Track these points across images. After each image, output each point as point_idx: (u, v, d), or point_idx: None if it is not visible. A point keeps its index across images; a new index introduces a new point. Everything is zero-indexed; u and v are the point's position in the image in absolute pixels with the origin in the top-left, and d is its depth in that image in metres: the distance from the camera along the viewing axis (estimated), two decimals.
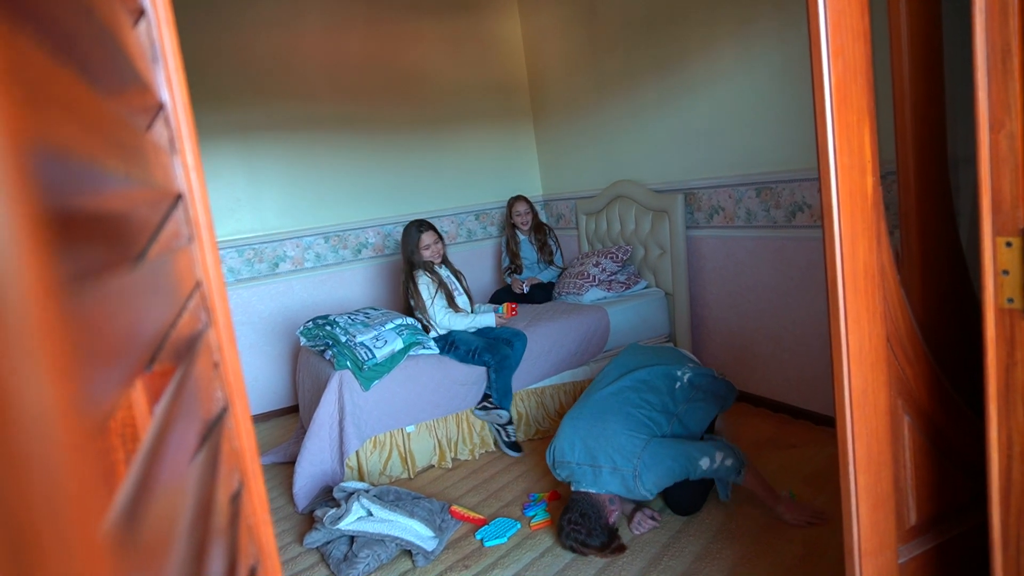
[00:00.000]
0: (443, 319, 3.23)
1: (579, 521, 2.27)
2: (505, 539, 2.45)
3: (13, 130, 0.19)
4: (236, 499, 0.56)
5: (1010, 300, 1.06)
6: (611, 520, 2.32)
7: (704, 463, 2.28)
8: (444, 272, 3.40)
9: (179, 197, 0.52)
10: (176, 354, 0.53)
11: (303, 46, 4.10)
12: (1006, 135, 1.04)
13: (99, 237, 0.37)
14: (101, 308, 0.32)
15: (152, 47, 0.50)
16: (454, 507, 2.64)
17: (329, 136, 4.22)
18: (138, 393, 0.53)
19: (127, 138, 0.44)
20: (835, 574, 2.00)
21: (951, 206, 1.54)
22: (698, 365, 2.69)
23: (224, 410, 0.54)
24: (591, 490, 2.33)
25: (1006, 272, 1.06)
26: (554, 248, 4.25)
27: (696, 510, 2.48)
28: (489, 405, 3.18)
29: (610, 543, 2.26)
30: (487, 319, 3.24)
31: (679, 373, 2.58)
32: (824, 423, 3.00)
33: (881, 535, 1.29)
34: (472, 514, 2.62)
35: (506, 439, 3.22)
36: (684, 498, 2.46)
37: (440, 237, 3.37)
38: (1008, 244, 1.06)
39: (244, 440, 0.56)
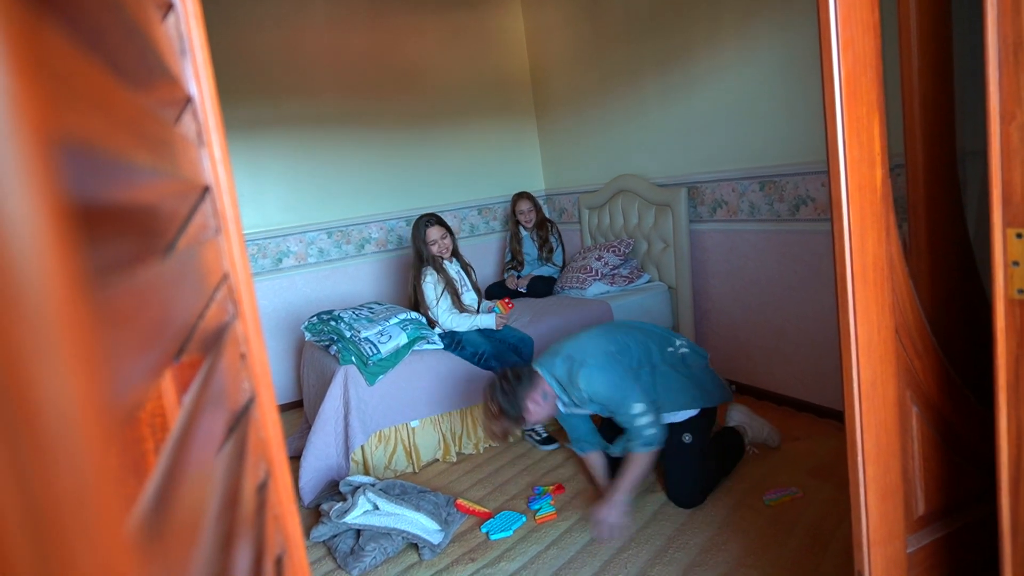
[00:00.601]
0: (446, 320, 3.22)
1: (512, 380, 2.40)
2: (511, 532, 2.47)
3: (39, 123, 0.19)
4: (262, 489, 0.56)
5: (1020, 291, 1.07)
6: (529, 413, 2.40)
7: (635, 409, 2.36)
8: (454, 267, 3.38)
9: (207, 189, 0.52)
10: (204, 345, 0.54)
11: (306, 42, 4.10)
12: (1017, 127, 1.05)
13: (127, 229, 0.38)
14: (129, 300, 0.33)
15: (180, 41, 0.50)
16: (460, 501, 2.65)
17: (332, 131, 4.22)
18: (167, 384, 0.53)
19: (155, 131, 0.44)
20: (839, 565, 2.01)
21: (959, 199, 1.55)
22: (696, 350, 2.70)
23: (251, 401, 0.55)
24: (539, 369, 2.49)
25: (1016, 263, 1.07)
26: (555, 245, 4.25)
27: (698, 503, 2.49)
28: (527, 429, 3.21)
29: (511, 420, 2.40)
30: (488, 320, 3.22)
31: (677, 343, 2.64)
32: (828, 416, 3.01)
33: (890, 525, 1.30)
34: (478, 507, 2.63)
35: (538, 438, 3.21)
36: (685, 490, 2.48)
37: (449, 231, 3.33)
38: (1018, 235, 1.06)
39: (270, 430, 0.56)
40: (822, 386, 3.04)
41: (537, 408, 2.41)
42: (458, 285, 3.33)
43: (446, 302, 3.22)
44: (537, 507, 2.59)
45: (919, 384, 1.37)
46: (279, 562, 0.57)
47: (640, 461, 2.40)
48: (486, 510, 2.62)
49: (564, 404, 2.50)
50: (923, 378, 1.37)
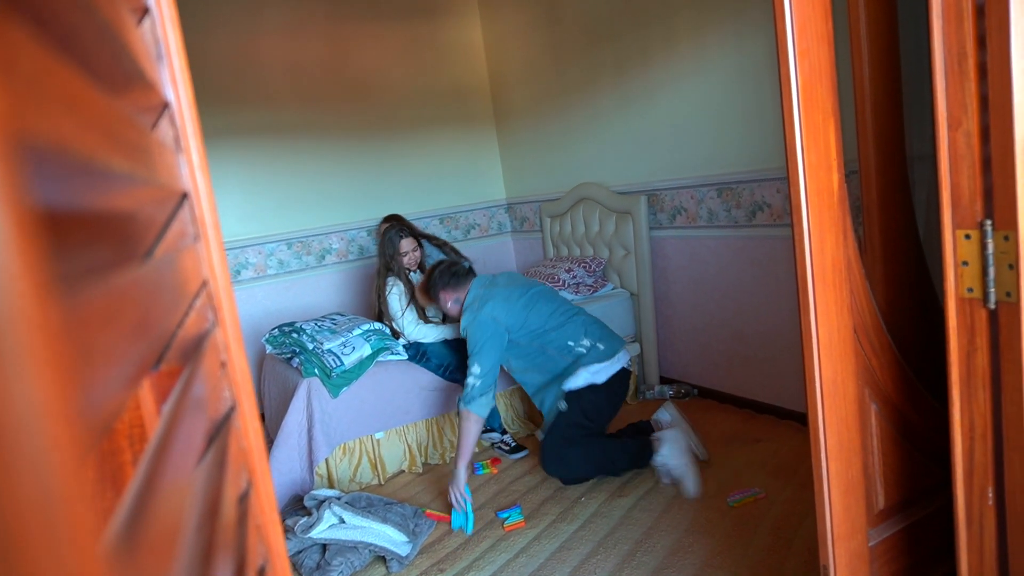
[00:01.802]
0: (412, 331, 3.20)
1: (448, 274, 2.84)
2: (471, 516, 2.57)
3: (4, 123, 0.18)
4: (244, 499, 0.55)
5: (970, 290, 1.11)
6: (441, 302, 2.86)
7: (475, 368, 2.63)
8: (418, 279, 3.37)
9: (185, 196, 0.51)
10: (183, 354, 0.53)
11: (261, 50, 4.05)
12: (963, 133, 1.10)
13: (103, 235, 0.37)
14: (104, 307, 0.32)
15: (156, 45, 0.49)
16: (429, 511, 2.64)
17: (290, 141, 4.17)
18: (146, 393, 0.52)
19: (131, 136, 0.44)
20: (802, 562, 2.06)
21: (910, 202, 1.61)
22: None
23: (232, 409, 0.54)
24: (476, 282, 2.85)
25: (966, 263, 1.11)
26: None
27: (560, 476, 2.65)
28: (496, 440, 3.24)
29: (427, 296, 2.93)
30: (454, 331, 3.21)
31: (584, 343, 2.75)
32: (788, 417, 3.08)
33: (852, 520, 1.34)
34: (447, 516, 2.61)
35: (507, 448, 3.21)
36: (544, 453, 2.67)
37: (419, 243, 3.33)
38: (967, 236, 1.11)
39: (252, 440, 0.56)
40: (781, 388, 3.11)
41: (448, 304, 2.87)
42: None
43: (412, 313, 3.20)
44: (506, 515, 2.58)
45: (877, 381, 1.41)
46: (261, 573, 0.56)
47: (465, 426, 2.63)
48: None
49: (465, 320, 2.76)
50: (880, 376, 1.42)
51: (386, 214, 4.48)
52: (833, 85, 1.26)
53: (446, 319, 3.36)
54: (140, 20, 0.49)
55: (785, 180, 2.85)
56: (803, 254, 1.26)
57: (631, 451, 2.70)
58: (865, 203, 1.57)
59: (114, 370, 0.34)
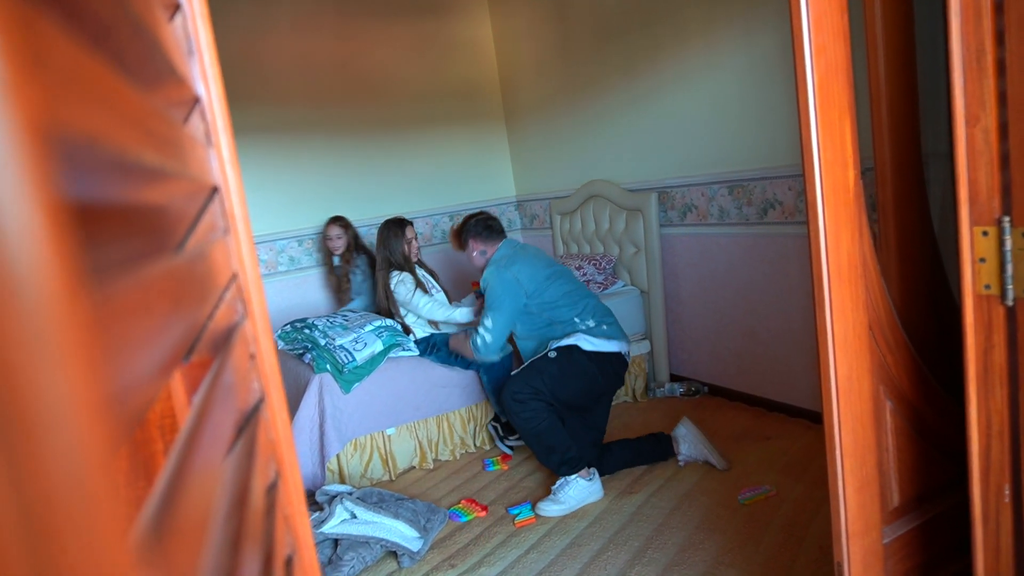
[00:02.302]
0: (426, 309, 3.19)
1: (481, 226, 2.99)
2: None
3: (36, 115, 0.18)
4: (272, 489, 0.56)
5: (987, 287, 1.11)
6: (469, 250, 3.02)
7: (488, 322, 2.81)
8: (420, 272, 3.39)
9: (215, 190, 0.52)
10: (213, 345, 0.54)
11: (271, 48, 4.07)
12: (981, 129, 1.09)
13: (135, 227, 0.38)
14: (136, 298, 0.33)
15: (188, 41, 0.50)
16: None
17: (301, 139, 4.18)
18: (177, 384, 0.53)
19: (163, 130, 0.44)
20: (813, 560, 2.05)
21: (925, 199, 1.60)
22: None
23: (260, 401, 0.55)
24: (505, 242, 2.99)
25: (983, 260, 1.11)
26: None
27: (508, 409, 2.70)
28: (502, 433, 3.22)
29: (457, 241, 3.08)
30: (466, 313, 3.21)
31: (588, 323, 2.82)
32: (799, 415, 3.08)
33: (866, 517, 1.34)
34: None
35: (499, 435, 3.22)
36: (510, 381, 2.75)
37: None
38: (984, 233, 1.11)
39: (280, 431, 0.56)
40: (793, 386, 3.10)
41: (474, 254, 3.01)
42: (427, 286, 3.34)
43: (420, 296, 3.22)
44: (517, 512, 2.59)
45: (892, 378, 1.41)
46: (289, 562, 0.57)
47: (466, 344, 2.96)
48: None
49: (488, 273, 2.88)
50: (895, 372, 1.42)
51: (396, 211, 4.50)
52: (849, 81, 1.25)
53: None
54: (172, 16, 0.50)
55: (797, 177, 2.85)
56: (819, 251, 1.26)
57: (651, 443, 2.82)
58: (880, 200, 1.57)
59: (145, 361, 0.35)
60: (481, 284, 2.90)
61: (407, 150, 4.57)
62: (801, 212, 2.87)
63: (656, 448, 2.81)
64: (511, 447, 3.17)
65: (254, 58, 4.01)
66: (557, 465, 2.63)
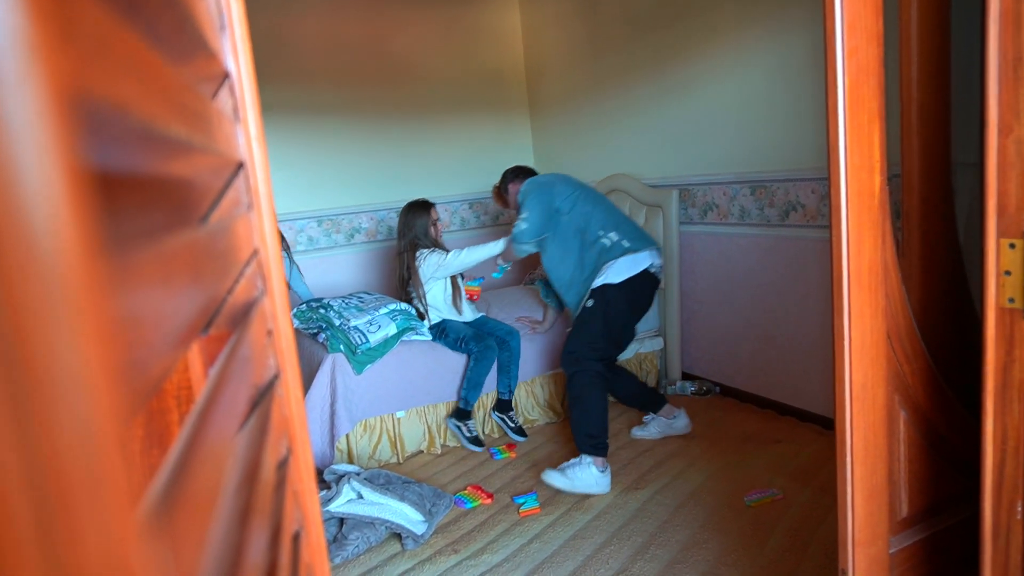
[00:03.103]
0: (464, 255, 3.16)
1: (518, 171, 3.26)
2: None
3: (63, 81, 0.18)
4: (283, 466, 0.57)
5: (1011, 300, 1.09)
6: (508, 194, 3.25)
7: (523, 217, 2.90)
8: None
9: (241, 165, 0.52)
10: (232, 320, 0.54)
11: (300, 27, 4.08)
12: (1014, 140, 1.08)
13: (160, 198, 0.38)
14: (156, 269, 0.33)
15: (220, 16, 0.50)
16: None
17: (325, 119, 4.20)
18: (194, 356, 0.54)
19: (192, 103, 0.44)
20: (818, 566, 2.04)
21: (952, 207, 1.58)
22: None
23: (275, 377, 0.55)
24: (534, 180, 3.09)
25: (1008, 273, 1.09)
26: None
27: (567, 369, 2.85)
28: (460, 421, 3.19)
29: (499, 187, 3.31)
30: (501, 242, 3.15)
31: (612, 236, 2.87)
32: (810, 420, 3.06)
33: (874, 526, 1.33)
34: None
35: (467, 435, 3.18)
36: (568, 346, 2.87)
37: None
38: (1011, 246, 1.09)
39: (293, 408, 0.57)
40: (805, 390, 3.08)
41: (515, 197, 3.12)
42: None
43: (452, 253, 3.20)
44: (522, 501, 2.60)
45: (907, 388, 1.40)
46: (296, 538, 0.57)
47: (502, 242, 3.10)
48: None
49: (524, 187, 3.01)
50: (911, 382, 1.40)
51: (415, 196, 4.50)
52: (880, 85, 1.23)
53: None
54: None
55: (821, 180, 2.82)
56: (840, 255, 1.25)
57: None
58: (906, 207, 1.55)
59: (163, 331, 0.35)
60: (519, 196, 3.02)
61: (430, 136, 4.57)
62: (824, 216, 2.84)
63: (649, 400, 3.08)
64: (517, 431, 3.21)
65: (283, 36, 4.02)
66: (583, 440, 2.70)
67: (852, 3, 1.20)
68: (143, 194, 0.34)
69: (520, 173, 3.25)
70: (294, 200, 4.15)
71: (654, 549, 2.24)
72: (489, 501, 2.66)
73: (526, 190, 2.97)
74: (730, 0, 3.13)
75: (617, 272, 2.77)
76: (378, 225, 4.43)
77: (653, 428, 3.09)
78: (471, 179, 4.77)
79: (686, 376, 3.73)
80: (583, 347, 2.78)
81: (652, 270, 2.84)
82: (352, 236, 4.36)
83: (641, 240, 2.85)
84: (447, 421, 3.23)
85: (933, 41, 1.47)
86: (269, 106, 4.00)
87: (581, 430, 2.71)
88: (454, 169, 4.70)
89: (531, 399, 3.43)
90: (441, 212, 4.66)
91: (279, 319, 0.56)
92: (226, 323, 0.56)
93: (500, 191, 3.30)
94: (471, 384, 3.15)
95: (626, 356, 3.63)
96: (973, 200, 1.70)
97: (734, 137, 3.24)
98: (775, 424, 3.12)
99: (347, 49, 4.22)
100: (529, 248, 2.94)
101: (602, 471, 2.66)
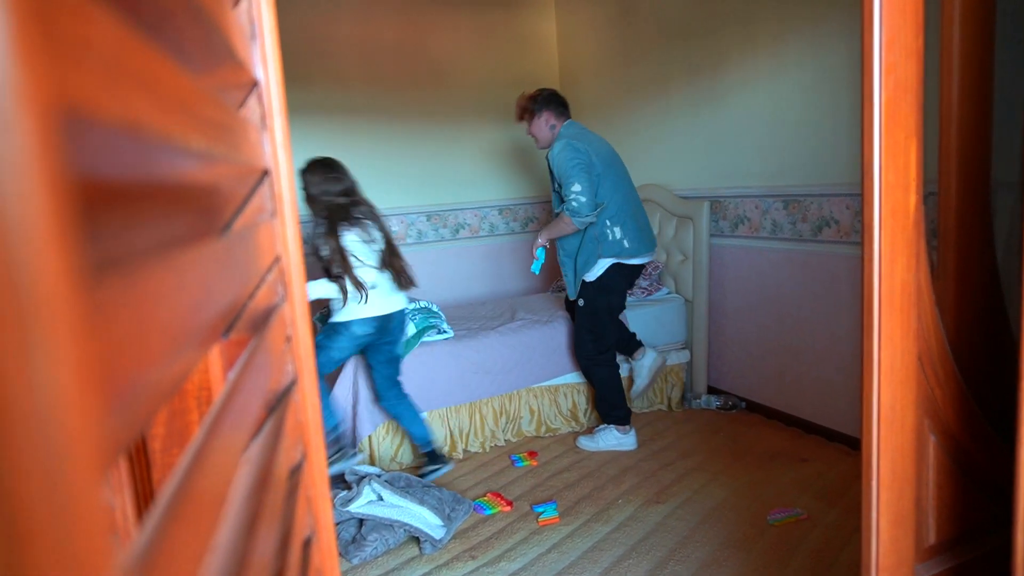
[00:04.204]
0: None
1: (552, 97, 3.16)
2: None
3: (40, 98, 0.16)
4: (297, 471, 0.57)
5: None
6: (540, 119, 3.14)
7: (575, 187, 2.89)
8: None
9: (266, 172, 0.53)
10: (252, 325, 0.55)
11: (338, 30, 4.13)
12: None
13: (177, 207, 0.38)
14: (172, 279, 0.33)
15: (251, 25, 0.51)
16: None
17: (358, 122, 4.24)
18: (215, 359, 0.54)
19: (214, 114, 0.44)
20: None
21: (990, 228, 1.54)
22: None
23: (293, 383, 0.56)
24: (567, 120, 3.19)
25: None
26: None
27: (581, 365, 3.26)
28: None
29: (528, 111, 3.17)
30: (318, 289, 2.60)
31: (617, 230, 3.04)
32: (837, 440, 3.00)
33: (900, 552, 1.29)
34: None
35: (428, 472, 2.85)
36: (577, 343, 3.21)
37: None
38: None
39: (309, 414, 0.57)
40: (833, 409, 3.03)
41: (541, 126, 3.12)
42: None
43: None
44: (541, 510, 2.59)
45: (938, 412, 1.36)
46: (308, 543, 0.57)
47: (560, 220, 2.99)
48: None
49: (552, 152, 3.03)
50: (943, 406, 1.37)
51: (446, 200, 4.53)
52: (919, 103, 1.21)
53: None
54: (237, 1, 0.50)
55: (856, 196, 2.77)
56: (871, 275, 1.22)
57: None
58: (942, 227, 1.51)
59: (178, 337, 0.35)
60: (550, 157, 3.02)
61: (461, 140, 4.59)
62: (858, 232, 2.79)
63: (623, 346, 3.32)
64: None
65: (317, 39, 4.07)
66: (605, 413, 3.17)
67: (891, 19, 1.17)
68: (161, 203, 0.34)
69: (559, 105, 3.14)
70: None
71: (673, 565, 2.21)
72: (508, 508, 2.65)
73: (566, 156, 2.93)
74: (768, 11, 3.09)
75: (601, 267, 3.04)
76: (407, 228, 4.46)
77: (600, 439, 3.18)
78: (502, 186, 4.78)
79: (712, 390, 3.69)
80: (587, 341, 3.14)
81: (636, 265, 3.13)
82: None
83: (641, 244, 3.07)
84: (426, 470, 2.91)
85: (975, 58, 1.43)
86: (303, 108, 4.05)
87: (603, 406, 3.18)
88: (484, 175, 4.71)
89: (554, 408, 3.42)
90: (470, 217, 4.68)
91: (298, 325, 0.56)
92: (247, 328, 0.56)
93: (532, 102, 3.12)
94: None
95: None
96: (1013, 221, 1.66)
97: (768, 150, 3.20)
98: (801, 442, 3.06)
99: (382, 53, 4.26)
100: (591, 219, 2.94)
101: (624, 434, 3.13)
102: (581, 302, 3.12)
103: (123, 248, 0.24)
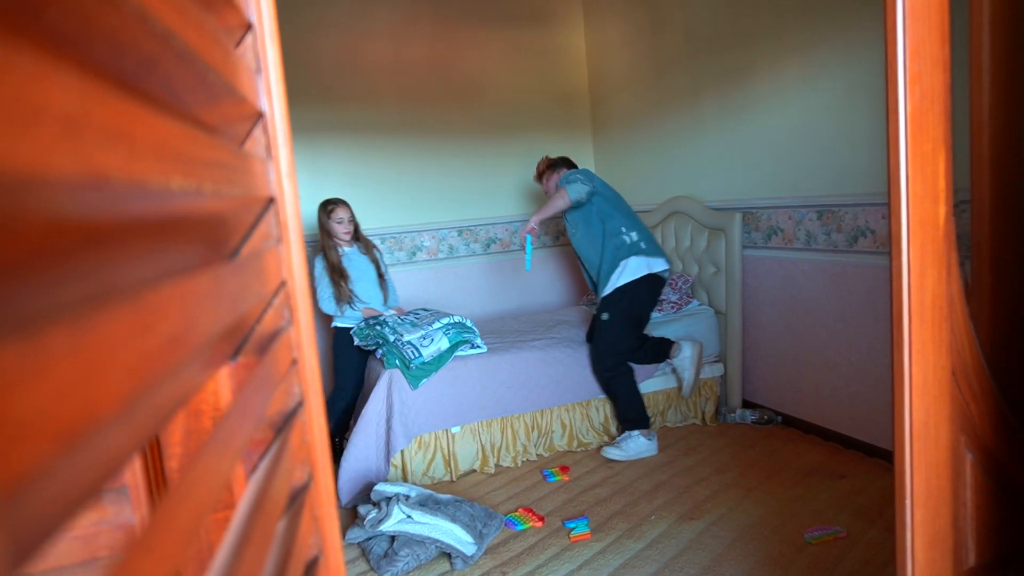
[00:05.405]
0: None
1: (562, 161, 3.57)
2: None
3: None
4: (304, 490, 0.58)
5: None
6: (550, 180, 3.55)
7: (573, 181, 3.19)
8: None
9: (271, 200, 0.54)
10: (259, 348, 0.56)
11: (368, 50, 4.20)
12: None
13: (165, 243, 0.39)
14: (170, 308, 0.33)
15: (256, 59, 0.53)
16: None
17: (390, 139, 4.30)
18: (223, 380, 0.56)
19: (203, 152, 0.44)
20: None
21: None
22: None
23: (299, 405, 0.57)
24: (577, 177, 3.31)
25: None
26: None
27: (601, 377, 3.30)
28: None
29: (541, 173, 3.62)
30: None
31: (633, 235, 3.25)
32: (877, 455, 2.92)
33: (937, 574, 1.25)
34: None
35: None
36: (594, 357, 3.31)
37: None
38: None
39: (316, 435, 0.58)
40: (872, 424, 2.95)
41: (547, 183, 3.55)
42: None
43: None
44: (573, 526, 2.57)
45: (975, 428, 1.32)
46: (313, 563, 0.58)
47: (555, 197, 3.18)
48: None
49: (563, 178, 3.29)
50: (979, 422, 1.32)
51: (478, 215, 4.56)
52: (946, 112, 1.18)
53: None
54: (243, 36, 0.52)
55: None
56: (900, 288, 1.20)
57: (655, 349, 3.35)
58: (975, 238, 1.47)
59: (180, 360, 0.36)
60: (561, 182, 3.28)
61: (493, 156, 4.63)
62: None
63: (657, 352, 3.33)
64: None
65: (351, 59, 4.15)
66: (627, 422, 3.23)
67: (915, 28, 1.15)
68: (144, 241, 0.34)
69: (568, 165, 3.55)
70: (359, 218, 4.26)
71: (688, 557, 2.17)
72: (540, 524, 2.64)
73: (577, 171, 3.30)
74: (798, 20, 3.06)
75: (631, 271, 3.16)
76: (439, 243, 4.50)
77: (629, 447, 3.20)
78: (532, 201, 4.79)
79: (747, 404, 3.63)
80: (608, 356, 3.22)
81: (661, 274, 3.25)
82: (414, 254, 4.44)
83: (657, 248, 3.25)
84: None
85: (1006, 65, 1.40)
86: (338, 127, 4.13)
87: (621, 415, 3.26)
88: (515, 190, 4.73)
89: (586, 422, 3.40)
90: (500, 231, 4.70)
91: (304, 348, 0.57)
92: (254, 351, 0.58)
93: (550, 166, 3.55)
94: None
95: None
96: None
97: (801, 159, 3.15)
98: (839, 458, 2.99)
99: (413, 70, 4.33)
100: (580, 188, 3.15)
101: (649, 439, 3.19)
102: (605, 316, 3.20)
103: (95, 287, 0.25)
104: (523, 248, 3.26)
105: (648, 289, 3.20)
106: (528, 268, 3.28)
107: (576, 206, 3.22)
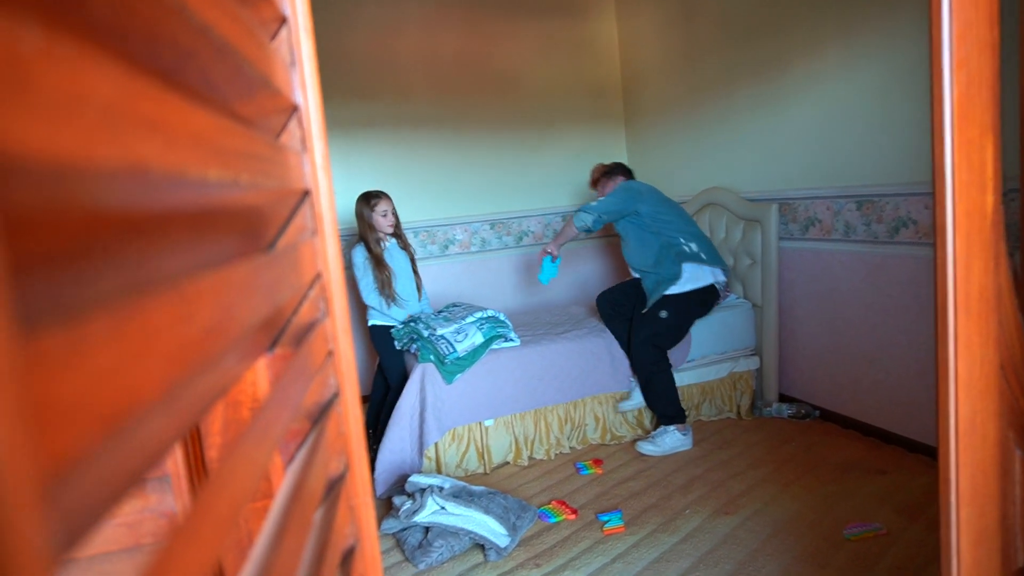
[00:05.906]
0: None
1: (618, 167, 3.65)
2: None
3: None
4: (340, 481, 0.59)
5: None
6: (603, 185, 3.59)
7: (603, 201, 3.28)
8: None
9: (307, 193, 0.55)
10: (296, 339, 0.57)
11: (400, 44, 4.22)
12: None
13: (204, 235, 0.39)
14: (210, 299, 0.34)
15: (291, 52, 0.53)
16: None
17: (423, 133, 4.32)
18: (262, 372, 0.56)
19: (240, 144, 0.44)
20: None
21: None
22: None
23: (335, 396, 0.57)
24: (624, 188, 3.40)
25: None
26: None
27: (642, 372, 3.28)
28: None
29: (595, 179, 3.68)
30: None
31: (692, 245, 3.29)
32: (919, 450, 2.85)
33: (983, 573, 1.22)
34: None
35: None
36: (636, 346, 3.28)
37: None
38: None
39: (352, 425, 0.59)
40: (913, 418, 2.88)
41: (603, 189, 3.55)
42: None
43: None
44: (606, 519, 2.57)
45: None
46: (350, 553, 0.59)
47: (568, 224, 3.32)
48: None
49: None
50: None
51: (511, 208, 4.56)
52: (995, 97, 1.14)
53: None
54: (277, 30, 0.52)
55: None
56: (945, 280, 1.16)
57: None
58: None
59: (219, 351, 0.36)
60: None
61: (524, 148, 4.62)
62: None
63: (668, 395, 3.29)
64: None
65: (383, 54, 4.17)
66: (663, 417, 3.23)
67: (962, 9, 1.12)
68: (183, 231, 0.35)
69: (623, 173, 3.60)
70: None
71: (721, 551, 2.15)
72: (573, 517, 2.63)
73: (621, 186, 3.34)
74: (835, 6, 2.99)
75: (691, 279, 3.22)
76: (472, 236, 4.51)
77: (664, 442, 3.20)
78: (564, 193, 4.77)
79: (783, 398, 3.57)
80: (649, 347, 3.22)
81: (717, 285, 3.32)
82: (447, 247, 4.45)
83: (717, 258, 3.30)
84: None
85: None
86: (371, 120, 4.16)
87: (658, 409, 3.24)
88: (548, 182, 4.72)
89: (619, 415, 3.38)
90: (534, 224, 4.69)
91: (340, 340, 0.58)
92: (291, 342, 0.58)
93: (608, 171, 3.60)
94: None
95: (719, 376, 3.52)
96: None
97: (839, 149, 3.08)
98: (880, 453, 2.93)
99: (445, 64, 4.33)
100: (585, 217, 3.22)
101: (684, 434, 3.19)
102: (664, 314, 3.23)
103: (139, 275, 0.25)
104: (539, 264, 3.34)
105: (706, 298, 3.29)
106: (544, 283, 3.37)
107: (619, 217, 3.29)
